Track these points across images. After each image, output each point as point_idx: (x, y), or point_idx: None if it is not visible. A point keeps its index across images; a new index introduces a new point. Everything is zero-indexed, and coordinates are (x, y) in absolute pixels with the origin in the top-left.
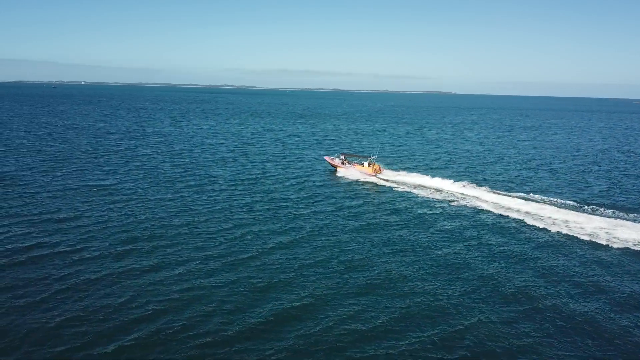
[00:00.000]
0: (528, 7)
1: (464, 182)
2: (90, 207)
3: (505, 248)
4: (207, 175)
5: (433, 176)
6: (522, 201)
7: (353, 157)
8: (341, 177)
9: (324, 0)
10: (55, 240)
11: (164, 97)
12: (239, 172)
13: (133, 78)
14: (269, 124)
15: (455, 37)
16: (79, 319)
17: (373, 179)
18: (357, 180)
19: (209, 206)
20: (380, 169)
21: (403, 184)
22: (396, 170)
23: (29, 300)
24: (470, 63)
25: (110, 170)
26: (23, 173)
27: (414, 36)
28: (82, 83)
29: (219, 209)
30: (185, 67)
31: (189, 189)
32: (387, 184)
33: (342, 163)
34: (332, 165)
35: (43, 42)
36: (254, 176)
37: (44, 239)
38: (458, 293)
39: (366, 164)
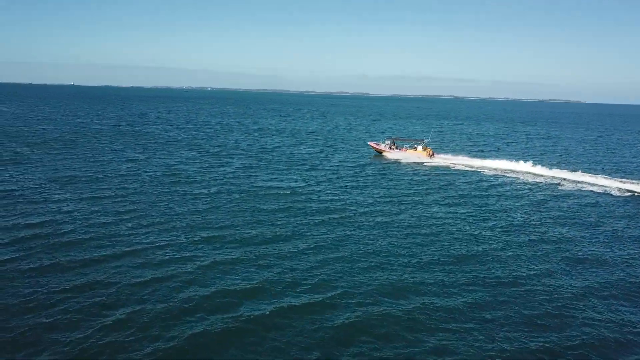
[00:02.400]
0: None
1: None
2: (301, 221)
3: None
4: (402, 183)
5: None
6: None
7: (402, 141)
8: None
9: (441, 5)
10: (271, 268)
11: (288, 101)
12: (433, 176)
13: (253, 84)
14: (416, 124)
15: (582, 38)
16: None
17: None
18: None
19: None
20: (433, 153)
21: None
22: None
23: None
24: (599, 68)
25: (286, 169)
26: (187, 168)
27: (534, 39)
28: (209, 89)
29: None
30: (301, 74)
31: (396, 200)
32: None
33: (390, 148)
34: (377, 151)
35: (175, 50)
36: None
37: (256, 271)
38: None
39: (420, 147)
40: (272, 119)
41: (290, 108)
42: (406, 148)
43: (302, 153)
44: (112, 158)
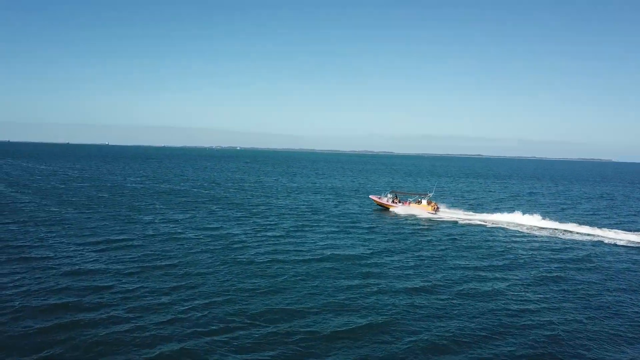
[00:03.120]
0: None
1: None
2: (388, 302)
3: None
4: (481, 251)
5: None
6: None
7: (405, 195)
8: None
9: (460, 65)
10: None
11: (317, 159)
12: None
13: (281, 143)
14: (458, 182)
15: (613, 95)
16: None
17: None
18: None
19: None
20: (437, 208)
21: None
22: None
23: None
24: (629, 127)
25: (341, 231)
26: (234, 231)
27: (559, 97)
28: (238, 148)
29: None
30: (326, 133)
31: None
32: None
33: (392, 201)
34: (380, 204)
35: (204, 111)
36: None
37: None
38: None
39: (424, 201)
40: (308, 177)
41: (322, 166)
42: (409, 202)
43: (352, 213)
44: (152, 219)
